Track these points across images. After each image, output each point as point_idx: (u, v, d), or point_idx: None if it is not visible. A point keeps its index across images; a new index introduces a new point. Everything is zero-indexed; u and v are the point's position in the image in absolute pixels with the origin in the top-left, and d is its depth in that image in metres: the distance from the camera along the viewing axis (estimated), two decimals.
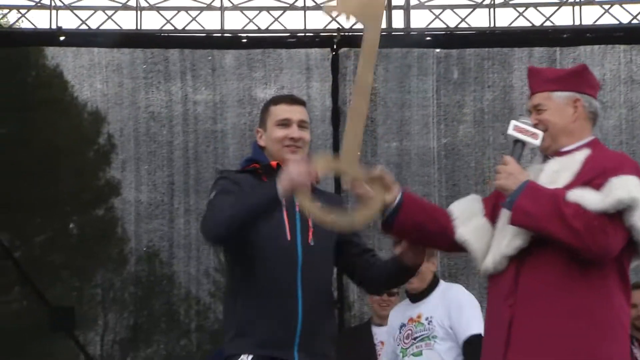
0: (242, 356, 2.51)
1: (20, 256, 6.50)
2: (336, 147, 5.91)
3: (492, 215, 2.37)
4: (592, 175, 2.12)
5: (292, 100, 2.75)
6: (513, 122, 2.31)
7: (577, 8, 5.99)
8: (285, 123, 2.60)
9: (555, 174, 2.27)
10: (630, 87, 5.94)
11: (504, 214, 2.26)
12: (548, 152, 2.34)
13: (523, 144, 2.29)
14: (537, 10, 6.05)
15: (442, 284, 3.92)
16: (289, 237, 2.52)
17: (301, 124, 2.62)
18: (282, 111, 2.64)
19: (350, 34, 6.13)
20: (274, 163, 2.59)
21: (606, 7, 6.04)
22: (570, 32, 6.00)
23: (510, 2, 5.99)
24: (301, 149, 2.61)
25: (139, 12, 6.14)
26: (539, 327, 2.16)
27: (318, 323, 2.56)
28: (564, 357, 2.05)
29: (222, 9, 6.16)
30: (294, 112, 2.64)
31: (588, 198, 2.06)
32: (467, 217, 2.41)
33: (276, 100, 2.75)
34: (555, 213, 2.09)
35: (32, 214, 6.55)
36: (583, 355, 2.03)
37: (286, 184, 2.36)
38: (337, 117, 5.91)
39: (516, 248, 2.21)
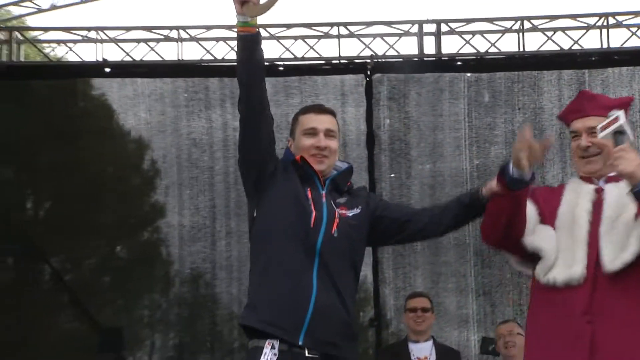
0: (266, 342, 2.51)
1: (71, 279, 6.70)
2: (371, 170, 6.13)
3: (549, 220, 2.32)
4: None
5: (319, 109, 2.75)
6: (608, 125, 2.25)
7: (604, 31, 6.14)
8: (312, 132, 2.60)
9: (621, 198, 2.23)
10: None
11: (609, 218, 2.22)
12: (595, 176, 2.32)
13: (622, 132, 2.20)
14: (565, 34, 6.20)
15: None
16: (312, 225, 2.51)
17: (328, 133, 2.61)
18: (309, 120, 2.65)
19: (382, 60, 6.34)
20: (297, 157, 2.59)
21: (633, 29, 6.19)
22: (598, 54, 6.14)
23: (539, 26, 6.16)
24: (328, 157, 2.60)
25: (179, 43, 6.39)
26: (626, 342, 2.14)
27: (331, 313, 2.55)
28: None
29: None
30: (321, 122, 2.64)
31: None
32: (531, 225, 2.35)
33: (305, 110, 2.75)
34: None
35: (81, 239, 6.70)
36: None
37: (235, 6, 2.44)
38: (371, 140, 6.11)
39: (635, 253, 2.16)
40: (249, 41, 2.51)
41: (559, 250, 2.26)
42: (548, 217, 2.36)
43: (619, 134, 2.20)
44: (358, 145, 6.12)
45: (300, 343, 2.51)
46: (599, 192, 2.32)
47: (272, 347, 2.58)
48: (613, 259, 2.18)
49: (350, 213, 2.58)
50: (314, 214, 2.52)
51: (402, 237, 2.82)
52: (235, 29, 2.55)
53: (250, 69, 2.54)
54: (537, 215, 2.37)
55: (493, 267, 6.04)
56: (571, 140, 2.47)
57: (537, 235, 2.31)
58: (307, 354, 2.57)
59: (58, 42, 7.01)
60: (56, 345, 6.56)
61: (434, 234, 2.81)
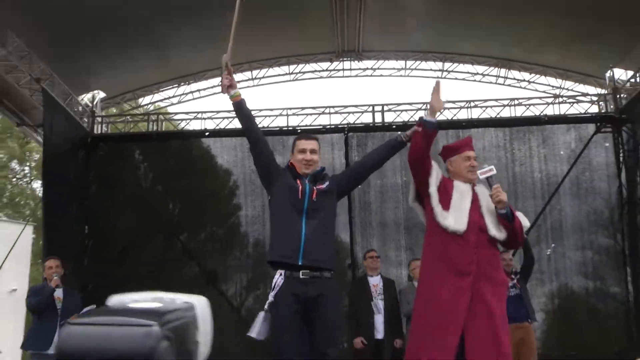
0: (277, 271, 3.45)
1: (191, 247, 9.88)
2: None
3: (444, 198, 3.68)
4: None
5: (307, 137, 3.71)
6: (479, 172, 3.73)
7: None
8: (302, 151, 3.61)
9: (484, 196, 3.71)
10: None
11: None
12: (472, 181, 3.77)
13: (492, 176, 3.67)
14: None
15: None
16: (299, 197, 3.50)
17: (312, 151, 3.61)
18: (301, 143, 3.65)
19: (353, 125, 9.90)
20: (289, 164, 3.64)
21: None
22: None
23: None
24: (312, 165, 3.61)
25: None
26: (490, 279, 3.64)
27: (317, 246, 3.43)
28: None
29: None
30: (308, 144, 3.63)
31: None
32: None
33: (299, 137, 3.73)
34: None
35: (197, 225, 9.81)
36: None
37: (227, 90, 3.57)
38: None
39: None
40: (239, 104, 3.59)
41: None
42: (442, 193, 3.66)
43: (491, 177, 3.68)
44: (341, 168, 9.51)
45: (300, 263, 3.39)
46: (473, 189, 3.78)
47: (280, 275, 3.45)
48: (493, 230, 3.56)
49: (323, 186, 3.57)
50: (300, 187, 3.51)
51: (360, 179, 3.88)
52: (230, 101, 3.66)
53: (244, 119, 3.59)
54: (438, 179, 3.70)
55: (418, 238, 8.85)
56: (463, 160, 3.80)
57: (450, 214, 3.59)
58: (301, 276, 3.42)
59: (181, 120, 10.79)
60: (181, 282, 9.09)
61: (375, 169, 3.79)
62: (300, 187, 3.51)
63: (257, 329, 3.43)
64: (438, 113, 3.67)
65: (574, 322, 9.68)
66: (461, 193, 3.67)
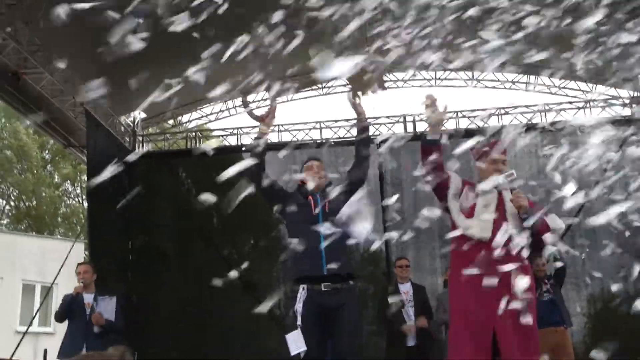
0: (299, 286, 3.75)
1: (232, 257, 10.00)
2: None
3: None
4: None
5: (314, 158, 4.23)
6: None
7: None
8: (310, 167, 4.16)
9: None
10: None
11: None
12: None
13: (513, 181, 3.65)
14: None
15: None
16: (313, 212, 3.84)
17: (319, 167, 4.12)
18: (310, 164, 4.19)
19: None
20: (299, 183, 4.08)
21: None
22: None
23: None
24: (322, 179, 4.06)
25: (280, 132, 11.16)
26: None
27: (337, 254, 3.73)
28: None
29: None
30: (315, 163, 4.17)
31: None
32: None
33: (307, 160, 4.27)
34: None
35: (240, 236, 9.74)
36: None
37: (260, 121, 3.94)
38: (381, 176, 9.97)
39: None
40: (260, 139, 4.01)
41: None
42: (465, 200, 3.65)
43: (512, 181, 3.64)
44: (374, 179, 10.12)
45: (324, 273, 3.70)
46: (500, 193, 3.76)
47: (304, 289, 3.74)
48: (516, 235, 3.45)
49: (332, 195, 3.96)
50: (312, 202, 3.88)
51: (358, 182, 4.11)
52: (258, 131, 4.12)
53: (262, 154, 3.94)
54: (457, 189, 3.68)
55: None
56: (490, 163, 3.78)
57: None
58: (322, 288, 3.69)
59: (216, 136, 11.33)
60: (222, 291, 8.30)
61: (364, 162, 4.17)
62: (312, 202, 3.85)
63: (296, 345, 3.63)
64: (440, 126, 3.65)
65: (611, 326, 9.53)
66: (486, 198, 3.69)
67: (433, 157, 3.63)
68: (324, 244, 3.69)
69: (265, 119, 4.04)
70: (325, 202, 3.85)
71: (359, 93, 4.04)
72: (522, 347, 3.43)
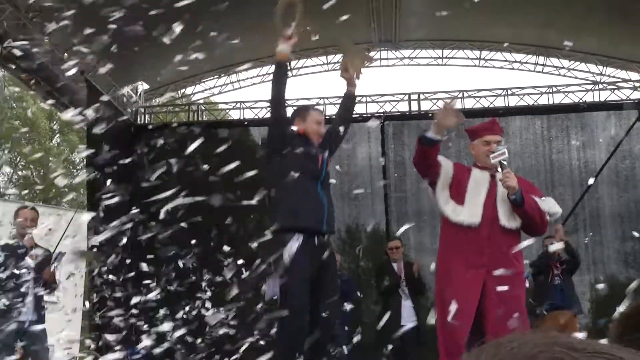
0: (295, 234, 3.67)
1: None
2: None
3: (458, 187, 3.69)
4: None
5: (319, 110, 4.21)
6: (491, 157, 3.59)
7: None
8: (319, 122, 3.99)
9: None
10: None
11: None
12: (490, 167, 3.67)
13: (505, 160, 3.52)
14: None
15: None
16: (319, 166, 3.83)
17: (320, 122, 3.98)
18: (316, 115, 4.04)
19: (389, 114, 10.32)
20: (300, 131, 3.92)
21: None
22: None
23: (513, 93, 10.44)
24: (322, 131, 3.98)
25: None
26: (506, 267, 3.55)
27: (333, 213, 3.83)
28: None
29: None
30: (322, 117, 4.06)
31: None
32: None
33: (312, 108, 4.24)
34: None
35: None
36: None
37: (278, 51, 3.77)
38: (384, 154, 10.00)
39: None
40: (283, 65, 3.86)
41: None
42: (456, 186, 3.59)
43: (502, 161, 3.53)
44: (377, 157, 10.23)
45: (324, 229, 3.79)
46: (493, 176, 3.68)
47: (297, 239, 3.70)
48: (504, 219, 3.48)
49: (325, 155, 3.98)
50: (319, 157, 3.86)
51: (339, 140, 4.14)
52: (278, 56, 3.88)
53: (285, 79, 3.79)
54: (447, 176, 3.62)
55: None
56: (483, 144, 3.70)
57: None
58: (316, 242, 3.77)
59: (222, 109, 11.41)
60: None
61: (346, 124, 4.21)
62: (320, 157, 3.85)
63: (271, 290, 3.66)
64: (444, 131, 3.57)
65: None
66: (477, 183, 3.64)
67: (429, 155, 3.62)
68: (325, 201, 3.78)
69: (289, 39, 3.91)
70: (327, 160, 3.93)
71: (353, 65, 4.06)
72: (506, 318, 3.40)
